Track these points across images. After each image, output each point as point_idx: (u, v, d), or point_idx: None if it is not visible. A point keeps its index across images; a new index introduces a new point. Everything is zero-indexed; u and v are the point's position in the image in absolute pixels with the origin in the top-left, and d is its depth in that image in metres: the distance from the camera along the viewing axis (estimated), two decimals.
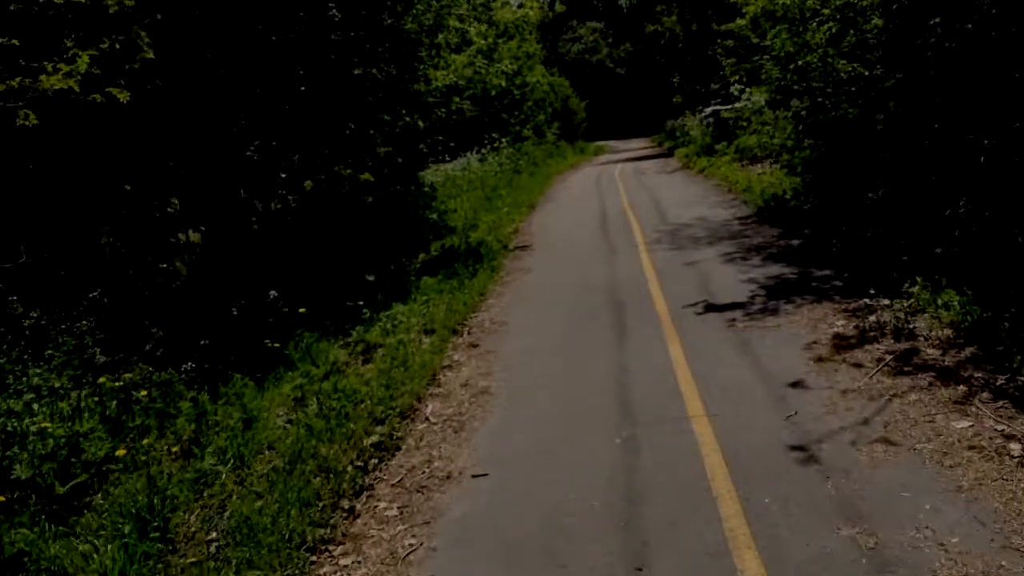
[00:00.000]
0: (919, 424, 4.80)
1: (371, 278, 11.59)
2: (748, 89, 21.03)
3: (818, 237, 10.13)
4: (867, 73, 11.28)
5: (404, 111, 16.82)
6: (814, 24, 12.12)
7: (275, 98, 11.98)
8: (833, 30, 11.84)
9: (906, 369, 5.68)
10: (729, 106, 21.20)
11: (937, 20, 10.44)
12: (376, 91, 15.79)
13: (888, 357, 5.91)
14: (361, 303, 9.01)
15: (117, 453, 5.42)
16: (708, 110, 24.04)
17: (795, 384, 5.65)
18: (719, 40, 29.38)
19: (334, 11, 12.60)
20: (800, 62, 11.88)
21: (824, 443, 4.68)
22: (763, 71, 12.53)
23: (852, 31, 11.67)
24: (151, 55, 9.65)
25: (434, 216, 15.10)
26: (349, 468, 5.12)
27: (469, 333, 8.20)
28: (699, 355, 6.48)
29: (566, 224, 15.08)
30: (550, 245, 12.95)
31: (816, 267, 8.88)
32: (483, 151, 24.68)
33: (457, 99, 18.13)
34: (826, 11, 12.34)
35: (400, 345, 7.69)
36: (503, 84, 20.16)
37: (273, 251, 11.28)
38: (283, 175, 11.80)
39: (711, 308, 7.89)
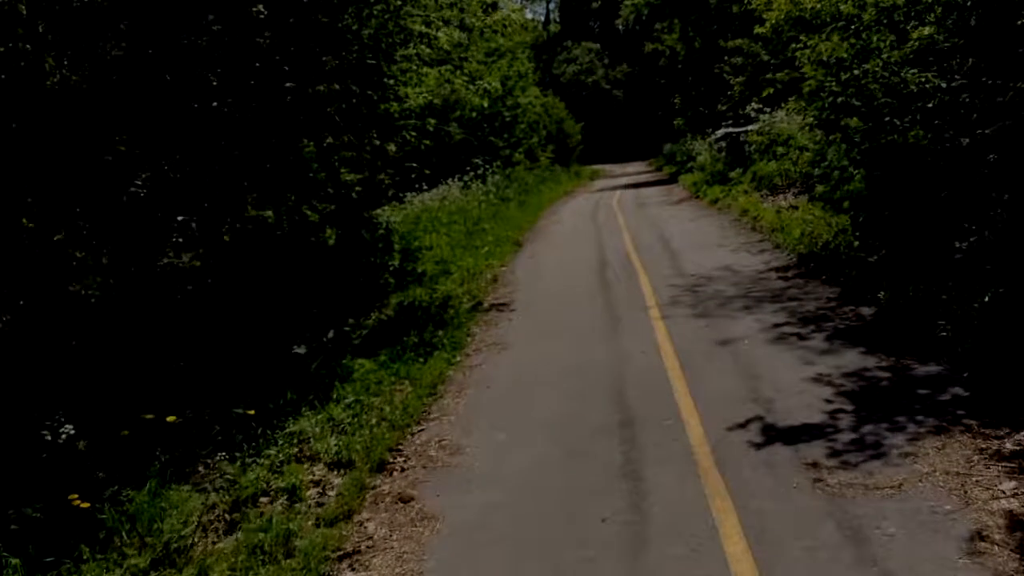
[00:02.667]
0: None
1: (301, 350, 8.91)
2: (769, 109, 18.44)
3: (899, 304, 7.35)
4: (944, 85, 8.61)
5: (376, 133, 14.29)
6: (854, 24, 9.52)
7: (174, 117, 9.26)
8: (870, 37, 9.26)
9: None
10: (749, 128, 18.57)
11: None
12: (331, 109, 13.23)
13: None
14: (252, 412, 6.21)
15: None
16: (720, 132, 21.41)
17: None
18: (726, 57, 26.97)
19: (260, 7, 9.86)
20: (857, 71, 9.20)
21: None
22: (805, 83, 9.83)
23: (917, 35, 9.04)
24: None
25: (395, 263, 12.34)
26: None
27: (402, 470, 5.39)
28: (780, 562, 3.68)
29: (557, 272, 12.32)
30: (535, 304, 10.18)
31: (914, 358, 6.10)
32: (466, 178, 21.99)
33: (433, 120, 15.50)
34: (867, 15, 9.75)
35: (288, 502, 4.90)
36: (485, 105, 17.48)
37: (162, 325, 8.50)
38: (180, 217, 9.04)
39: (772, 435, 5.10)
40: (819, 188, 12.99)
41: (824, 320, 7.49)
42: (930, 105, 8.63)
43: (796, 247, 10.69)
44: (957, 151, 8.43)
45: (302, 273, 11.68)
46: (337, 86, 13.43)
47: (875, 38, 9.05)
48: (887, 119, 8.64)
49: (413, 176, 18.19)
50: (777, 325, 7.50)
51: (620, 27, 69.72)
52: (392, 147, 15.11)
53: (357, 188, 12.47)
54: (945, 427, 4.84)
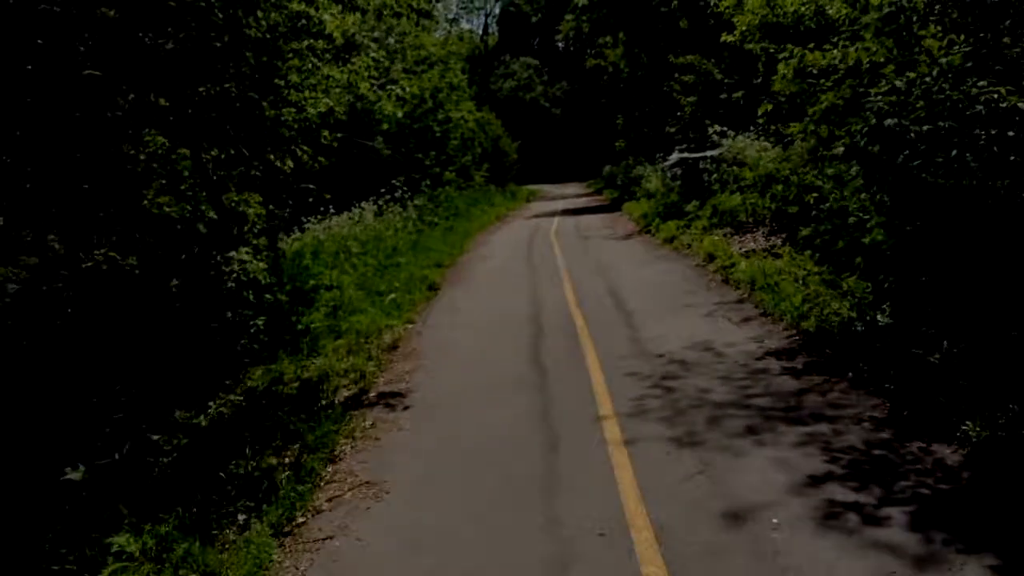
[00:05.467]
0: None
1: (76, 476, 5.91)
2: (734, 132, 15.96)
3: (1002, 445, 4.59)
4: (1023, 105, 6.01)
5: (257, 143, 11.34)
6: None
7: None
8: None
9: None
10: (708, 154, 16.01)
11: None
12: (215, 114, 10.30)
13: None
14: None
15: None
16: (673, 157, 18.83)
17: None
18: (676, 75, 24.68)
19: None
20: (899, 82, 6.49)
21: None
22: (823, 97, 7.09)
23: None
24: None
25: (260, 322, 9.14)
26: None
27: None
28: None
29: (477, 339, 9.30)
30: (440, 398, 7.15)
31: None
32: (380, 202, 18.88)
33: (327, 133, 12.47)
34: (868, 18, 7.17)
35: None
36: (399, 115, 14.49)
37: None
38: None
39: None
40: (804, 231, 10.37)
41: (887, 471, 4.66)
42: (1010, 133, 5.99)
43: (797, 320, 7.93)
44: None
45: (123, 341, 8.45)
46: (212, 86, 10.43)
47: (928, 35, 6.37)
48: (954, 152, 5.91)
49: (311, 200, 15.03)
50: (815, 480, 4.63)
51: (560, 44, 67.65)
52: (290, 163, 12.08)
53: (199, 224, 9.31)
54: None
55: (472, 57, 53.79)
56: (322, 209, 17.56)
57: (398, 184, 19.31)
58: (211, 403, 7.69)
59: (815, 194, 8.63)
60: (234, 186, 12.34)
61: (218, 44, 8.16)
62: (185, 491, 5.31)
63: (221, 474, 5.45)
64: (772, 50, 13.03)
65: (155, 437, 6.65)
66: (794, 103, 8.71)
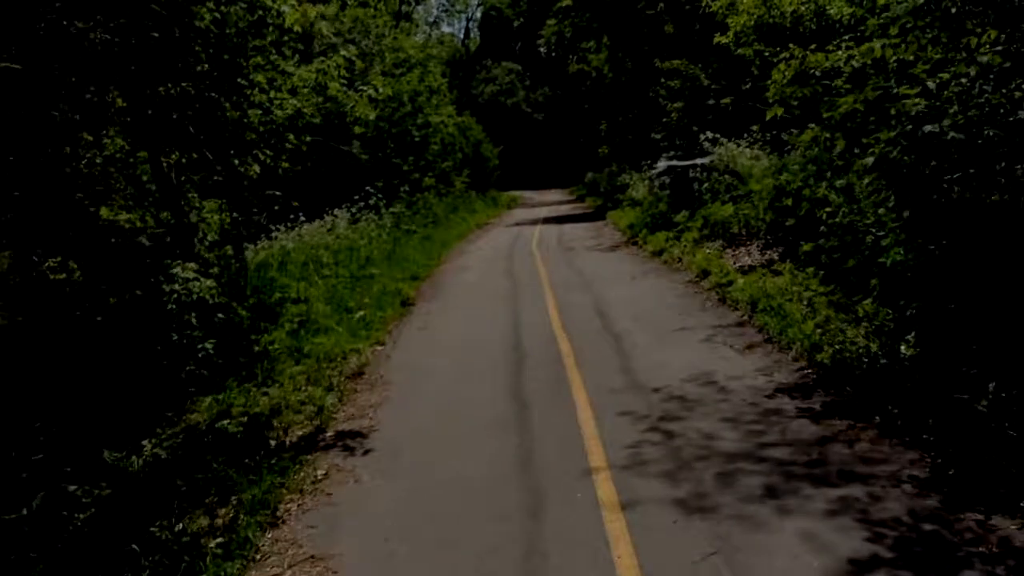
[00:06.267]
0: None
1: None
2: (726, 139, 15.21)
3: None
4: None
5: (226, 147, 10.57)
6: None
7: None
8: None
9: None
10: (698, 161, 15.23)
11: None
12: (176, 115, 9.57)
13: None
14: None
15: None
16: (661, 165, 18.03)
17: None
18: (663, 80, 24.02)
19: None
20: (931, 83, 5.68)
21: None
22: (841, 100, 6.24)
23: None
24: None
25: (209, 345, 8.17)
26: None
27: None
28: None
29: (451, 366, 8.38)
30: (407, 441, 6.23)
31: None
32: (353, 209, 17.97)
33: (292, 136, 11.56)
34: (877, 20, 6.40)
35: None
36: (371, 117, 13.56)
37: None
38: None
39: None
40: (805, 246, 9.56)
41: (944, 554, 3.81)
42: None
43: (809, 349, 7.09)
44: None
45: (53, 367, 7.49)
46: (173, 86, 9.65)
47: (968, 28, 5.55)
48: (1002, 163, 5.11)
49: (276, 207, 14.09)
50: (858, 567, 3.76)
51: (542, 49, 66.94)
52: (256, 168, 11.21)
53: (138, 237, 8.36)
54: None
55: (453, 61, 53.05)
56: (292, 217, 16.63)
57: (373, 191, 18.38)
58: (146, 442, 6.75)
59: (828, 208, 7.81)
60: (196, 191, 11.43)
61: (156, 35, 7.21)
62: (91, 568, 4.38)
63: (135, 546, 4.51)
64: (767, 53, 12.31)
65: (72, 488, 5.70)
66: (801, 107, 7.91)
